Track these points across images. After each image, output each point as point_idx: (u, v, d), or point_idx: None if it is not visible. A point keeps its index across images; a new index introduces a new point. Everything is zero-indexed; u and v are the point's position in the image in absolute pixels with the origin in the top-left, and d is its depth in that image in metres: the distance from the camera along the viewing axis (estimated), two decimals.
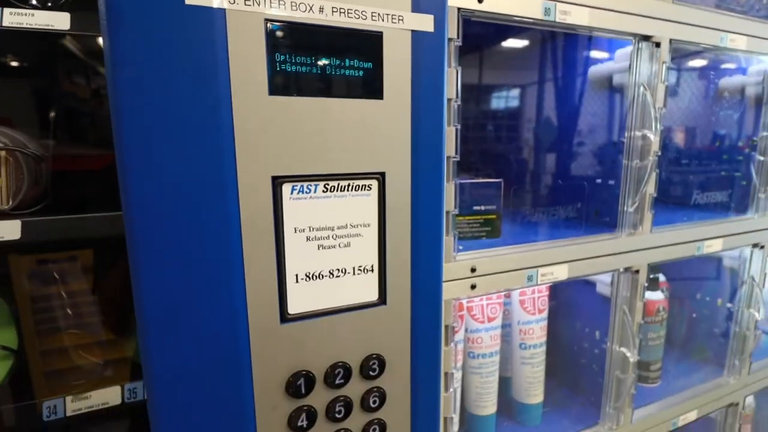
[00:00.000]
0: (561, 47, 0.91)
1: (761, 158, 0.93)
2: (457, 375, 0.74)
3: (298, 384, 0.40)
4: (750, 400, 1.06)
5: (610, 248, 0.74)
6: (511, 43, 0.96)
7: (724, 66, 0.99)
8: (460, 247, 0.63)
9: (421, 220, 0.44)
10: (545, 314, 0.83)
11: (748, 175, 0.95)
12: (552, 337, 0.87)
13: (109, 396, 0.56)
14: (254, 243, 0.37)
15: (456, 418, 0.69)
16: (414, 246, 0.44)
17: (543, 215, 0.80)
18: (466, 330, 0.79)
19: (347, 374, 0.43)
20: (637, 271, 0.78)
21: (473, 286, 0.62)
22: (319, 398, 0.42)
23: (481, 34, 0.92)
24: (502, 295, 0.80)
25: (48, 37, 0.71)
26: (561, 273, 0.69)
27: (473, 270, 0.62)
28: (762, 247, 0.94)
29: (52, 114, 0.73)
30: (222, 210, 0.36)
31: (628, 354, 0.77)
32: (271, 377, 0.40)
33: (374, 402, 0.44)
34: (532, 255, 0.67)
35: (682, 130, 0.99)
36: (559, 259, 0.69)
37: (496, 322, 0.79)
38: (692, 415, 0.94)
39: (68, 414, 0.54)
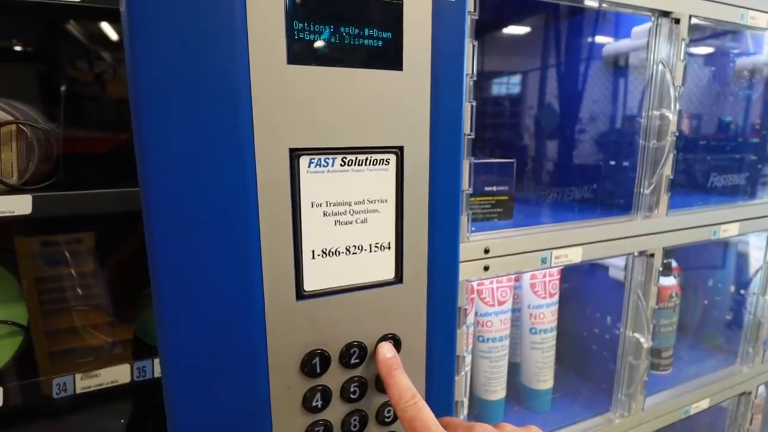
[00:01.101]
0: (575, 26, 0.89)
1: None
2: (467, 359, 0.74)
3: (314, 363, 0.40)
4: (762, 389, 1.05)
5: (625, 231, 0.73)
6: (524, 21, 0.94)
7: (739, 47, 0.96)
8: (473, 228, 0.62)
9: (439, 196, 0.43)
10: (556, 298, 0.82)
11: (764, 157, 0.93)
12: (562, 321, 0.86)
13: (119, 374, 0.56)
14: (271, 216, 0.36)
15: (465, 402, 0.69)
16: (431, 223, 0.43)
17: (556, 197, 0.79)
18: (475, 314, 0.78)
19: (362, 354, 0.42)
20: (652, 255, 0.76)
21: (486, 268, 0.61)
22: (334, 378, 0.41)
23: (496, 13, 0.89)
24: (512, 278, 0.79)
25: (53, 21, 0.70)
26: (575, 256, 0.68)
27: (486, 251, 0.61)
28: None
29: (58, 97, 0.72)
30: (239, 181, 0.35)
31: (642, 339, 0.77)
32: (287, 355, 0.39)
33: None
34: (546, 237, 0.66)
35: (698, 112, 0.97)
36: (573, 241, 0.68)
37: (506, 305, 0.79)
38: (704, 404, 0.94)
39: (78, 391, 0.53)
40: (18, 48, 0.73)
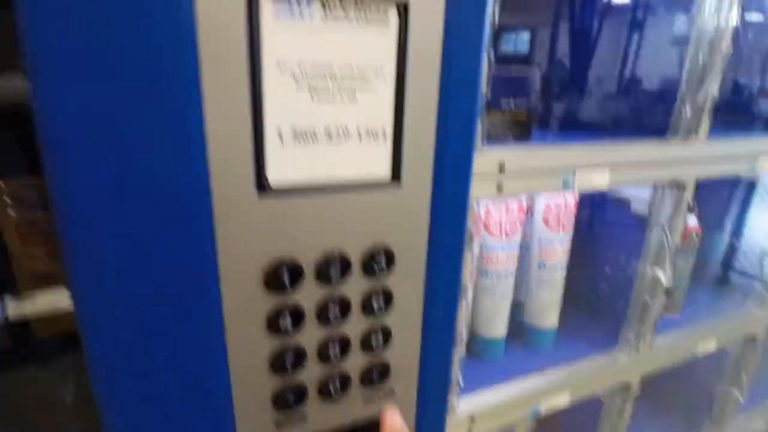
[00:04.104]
0: None
1: None
2: (469, 293, 0.67)
3: (281, 276, 0.32)
4: None
5: (658, 155, 0.63)
6: None
7: None
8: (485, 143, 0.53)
9: (454, 69, 0.33)
10: (569, 233, 0.74)
11: None
12: (572, 259, 0.79)
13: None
14: (218, 77, 0.26)
15: (464, 338, 0.62)
16: (442, 106, 0.33)
17: (584, 114, 0.69)
18: (480, 247, 0.70)
19: (345, 268, 0.34)
20: (684, 187, 0.67)
21: (499, 188, 0.52)
22: (308, 295, 0.33)
23: None
24: (523, 208, 0.70)
25: None
26: (601, 179, 0.59)
27: (501, 168, 0.52)
28: None
29: None
30: (173, 24, 0.25)
31: (662, 276, 0.69)
32: (244, 264, 0.31)
33: (378, 305, 0.36)
34: (570, 155, 0.56)
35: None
36: (600, 161, 0.58)
37: (514, 239, 0.70)
38: (711, 345, 0.89)
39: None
40: None
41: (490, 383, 0.69)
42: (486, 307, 0.72)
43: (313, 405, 0.36)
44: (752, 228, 0.99)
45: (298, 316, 0.33)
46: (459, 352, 0.61)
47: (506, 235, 0.69)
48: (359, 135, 0.32)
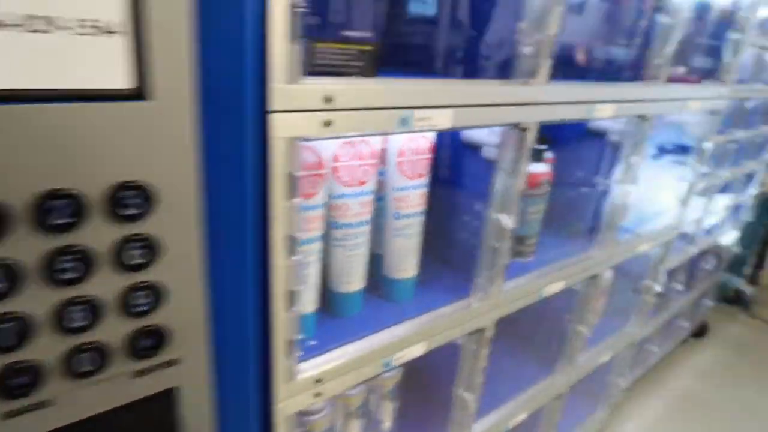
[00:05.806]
0: None
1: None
2: (315, 246, 0.62)
3: None
4: (609, 273, 1.12)
5: (501, 96, 0.63)
6: None
7: None
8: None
9: None
10: (424, 180, 0.73)
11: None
12: (431, 210, 0.78)
13: None
14: None
15: (312, 297, 0.58)
16: None
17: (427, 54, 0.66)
18: (329, 196, 0.65)
19: (78, 210, 0.26)
20: (526, 130, 0.68)
21: (328, 123, 0.47)
22: (23, 246, 0.25)
23: None
24: (377, 154, 0.66)
25: None
26: (443, 120, 0.56)
27: (328, 100, 0.46)
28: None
29: None
30: None
31: (505, 221, 0.71)
32: None
33: (139, 256, 0.29)
34: (408, 91, 0.53)
35: None
36: (441, 101, 0.56)
37: (367, 186, 0.67)
38: (559, 286, 0.96)
39: None
40: None
41: (344, 340, 0.66)
42: (339, 261, 0.68)
43: (60, 387, 0.29)
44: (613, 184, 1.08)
45: (11, 274, 0.25)
46: (300, 310, 0.56)
47: (359, 182, 0.65)
48: (75, 26, 0.23)
